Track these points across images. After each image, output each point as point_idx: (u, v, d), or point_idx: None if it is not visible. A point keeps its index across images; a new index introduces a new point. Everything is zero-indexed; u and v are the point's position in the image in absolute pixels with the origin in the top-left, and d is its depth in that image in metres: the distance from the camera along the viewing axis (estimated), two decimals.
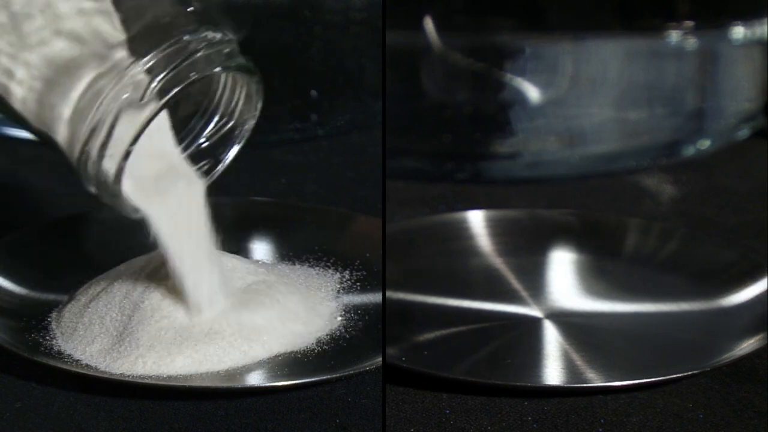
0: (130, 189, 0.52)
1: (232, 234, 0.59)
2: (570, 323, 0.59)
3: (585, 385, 0.54)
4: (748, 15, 0.77)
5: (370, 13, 0.77)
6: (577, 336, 0.58)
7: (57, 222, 0.63)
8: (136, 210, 0.53)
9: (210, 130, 0.57)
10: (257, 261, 0.61)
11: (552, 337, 0.58)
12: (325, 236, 0.63)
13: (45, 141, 0.52)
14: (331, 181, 0.75)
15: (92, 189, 0.52)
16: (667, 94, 0.78)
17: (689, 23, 0.76)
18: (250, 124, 0.56)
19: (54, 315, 0.57)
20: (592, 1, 0.76)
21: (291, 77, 0.78)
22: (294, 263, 0.62)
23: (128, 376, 0.53)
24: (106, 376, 0.52)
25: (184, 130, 0.56)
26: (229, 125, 0.56)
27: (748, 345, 0.55)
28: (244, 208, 0.64)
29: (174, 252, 0.54)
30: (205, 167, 0.57)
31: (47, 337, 0.55)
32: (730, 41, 0.77)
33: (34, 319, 0.57)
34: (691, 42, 0.76)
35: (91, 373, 0.53)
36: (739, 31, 0.77)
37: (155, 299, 0.55)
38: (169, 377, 0.52)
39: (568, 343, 0.57)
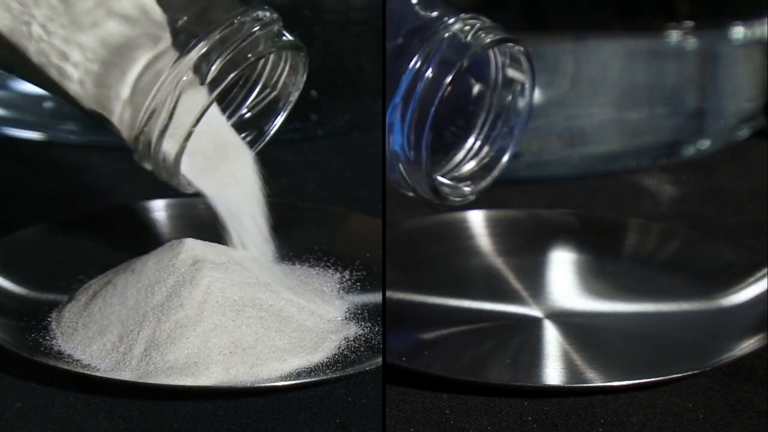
0: (185, 166, 0.53)
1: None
2: (570, 323, 0.59)
3: (585, 385, 0.54)
4: (748, 15, 0.77)
5: (370, 13, 0.77)
6: (577, 336, 0.58)
7: (57, 222, 0.63)
8: (191, 184, 0.54)
9: (252, 101, 0.57)
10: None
11: (552, 337, 0.58)
12: (325, 236, 0.63)
13: (98, 120, 0.53)
14: (331, 181, 0.75)
15: (148, 166, 0.53)
16: (667, 94, 0.78)
17: (689, 23, 0.76)
18: (295, 95, 0.56)
19: (54, 315, 0.57)
20: (592, 1, 0.76)
21: None
22: (294, 263, 0.61)
23: (128, 376, 0.52)
24: (106, 376, 0.52)
25: (225, 100, 0.57)
26: (271, 96, 0.57)
27: (748, 345, 0.55)
28: None
29: (228, 215, 0.56)
30: (248, 138, 0.57)
31: (47, 337, 0.56)
32: (730, 41, 0.77)
33: (34, 319, 0.57)
34: (691, 42, 0.76)
35: (91, 373, 0.53)
36: (739, 31, 0.77)
37: (156, 299, 0.55)
38: (169, 377, 0.52)
39: (568, 343, 0.57)
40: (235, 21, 0.52)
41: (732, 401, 0.54)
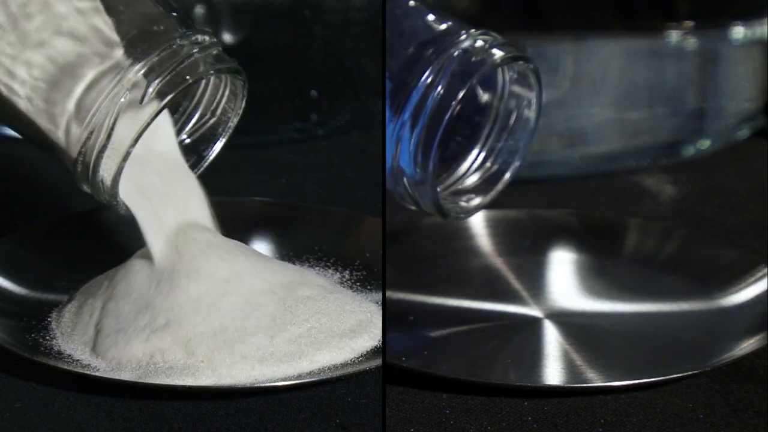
0: (124, 189, 0.53)
1: (232, 234, 0.59)
2: (570, 323, 0.59)
3: (585, 385, 0.54)
4: (748, 15, 0.77)
5: (370, 13, 0.77)
6: (577, 336, 0.58)
7: (57, 222, 0.63)
8: (128, 209, 0.54)
9: (192, 127, 0.57)
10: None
11: (552, 337, 0.58)
12: (325, 236, 0.63)
13: (42, 146, 0.53)
14: (331, 181, 0.75)
15: (86, 188, 0.53)
16: (667, 94, 0.78)
17: (689, 23, 0.76)
18: (234, 121, 0.57)
19: (54, 315, 0.57)
20: (592, 1, 0.76)
21: (291, 77, 0.78)
22: (294, 263, 0.61)
23: (128, 376, 0.52)
24: (106, 376, 0.52)
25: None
26: (211, 122, 0.57)
27: (748, 345, 0.55)
28: (244, 208, 0.64)
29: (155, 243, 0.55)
30: (188, 163, 0.58)
31: (47, 337, 0.55)
32: (730, 41, 0.77)
33: (34, 319, 0.57)
34: (691, 42, 0.76)
35: (91, 373, 0.53)
36: (739, 31, 0.77)
37: (157, 298, 0.55)
38: (169, 377, 0.52)
39: (568, 343, 0.57)
40: (174, 44, 0.52)
41: (732, 401, 0.54)
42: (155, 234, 0.55)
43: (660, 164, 0.78)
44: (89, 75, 0.52)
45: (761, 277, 0.60)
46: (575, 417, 0.52)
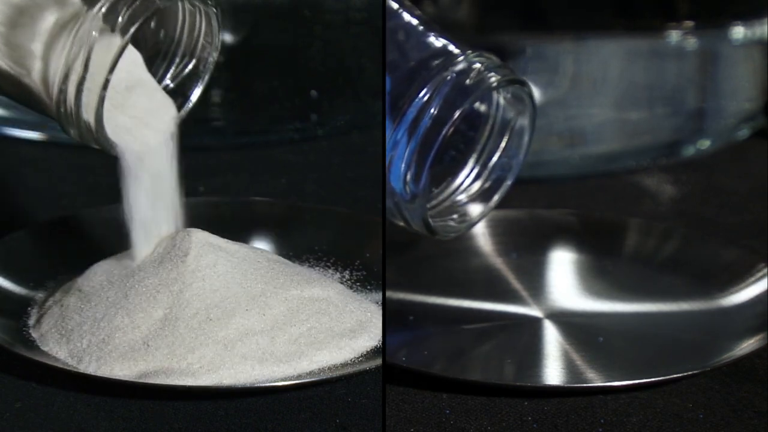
0: (108, 125, 0.53)
1: (232, 234, 0.59)
2: (570, 323, 0.59)
3: (585, 385, 0.54)
4: (748, 15, 0.77)
5: (370, 13, 0.77)
6: (577, 336, 0.58)
7: (57, 222, 0.63)
8: (114, 146, 0.54)
9: (174, 72, 0.58)
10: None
11: (552, 337, 0.58)
12: (325, 236, 0.63)
13: (25, 101, 0.53)
14: (331, 181, 0.75)
15: (72, 131, 0.53)
16: (667, 94, 0.78)
17: (689, 23, 0.76)
18: (213, 56, 0.57)
19: (45, 310, 0.57)
20: (592, 1, 0.76)
21: (291, 77, 0.78)
22: (294, 263, 0.61)
23: (128, 376, 0.52)
24: (106, 376, 0.52)
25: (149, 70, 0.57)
26: (192, 64, 0.57)
27: (748, 345, 0.55)
28: (244, 208, 0.64)
29: (136, 191, 0.56)
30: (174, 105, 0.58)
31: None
32: (730, 41, 0.77)
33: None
34: (691, 42, 0.76)
35: (91, 372, 0.53)
36: (739, 31, 0.77)
37: (157, 297, 0.55)
38: (169, 377, 0.52)
39: (568, 343, 0.57)
40: None
41: (732, 401, 0.54)
42: (139, 177, 0.55)
43: (660, 164, 0.78)
44: (50, 18, 0.52)
45: (761, 277, 0.60)
46: (575, 417, 0.52)
